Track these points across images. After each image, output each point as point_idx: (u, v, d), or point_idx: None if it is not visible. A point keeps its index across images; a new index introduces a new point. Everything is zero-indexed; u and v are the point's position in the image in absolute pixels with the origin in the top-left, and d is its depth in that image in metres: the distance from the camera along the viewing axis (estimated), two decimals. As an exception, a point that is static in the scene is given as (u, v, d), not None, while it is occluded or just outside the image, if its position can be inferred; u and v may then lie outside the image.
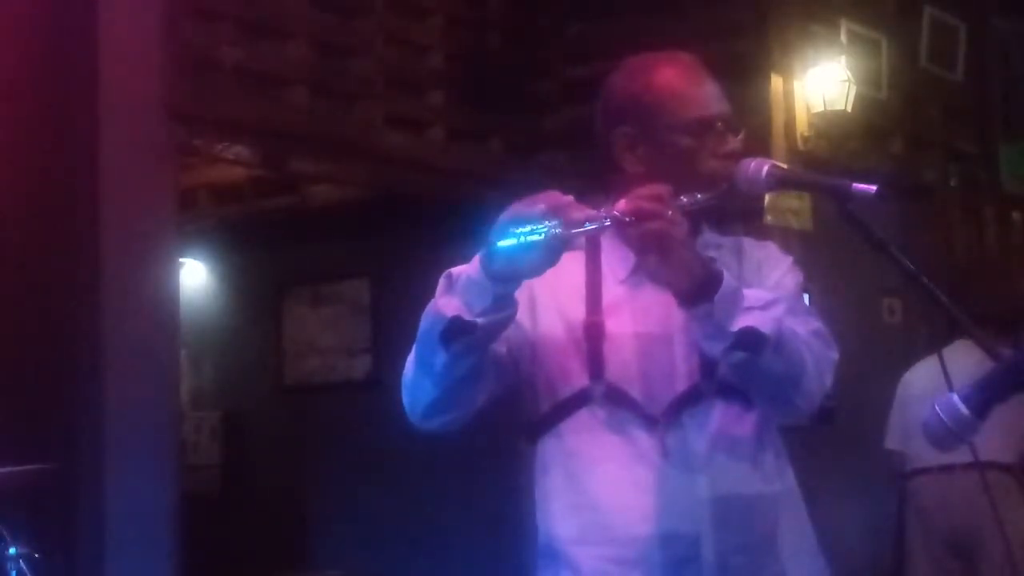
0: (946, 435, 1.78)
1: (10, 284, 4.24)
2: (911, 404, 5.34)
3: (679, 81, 2.09)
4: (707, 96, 2.09)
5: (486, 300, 1.85)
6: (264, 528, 7.26)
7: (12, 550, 3.19)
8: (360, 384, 7.02)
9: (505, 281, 1.85)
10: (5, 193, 4.23)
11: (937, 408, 1.78)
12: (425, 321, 1.92)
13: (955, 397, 1.78)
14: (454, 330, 1.86)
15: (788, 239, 5.57)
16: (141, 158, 4.52)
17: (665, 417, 2.01)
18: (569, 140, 5.90)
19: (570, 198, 1.85)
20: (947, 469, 5.07)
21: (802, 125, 5.89)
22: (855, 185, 1.88)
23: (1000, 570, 5.01)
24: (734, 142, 2.08)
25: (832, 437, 5.40)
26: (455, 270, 1.91)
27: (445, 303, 1.88)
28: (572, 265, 2.05)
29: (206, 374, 7.73)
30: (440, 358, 1.90)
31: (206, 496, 7.23)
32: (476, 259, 1.86)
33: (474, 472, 6.16)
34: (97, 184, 4.38)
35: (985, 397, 1.78)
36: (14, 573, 3.17)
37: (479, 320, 1.86)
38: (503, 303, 1.87)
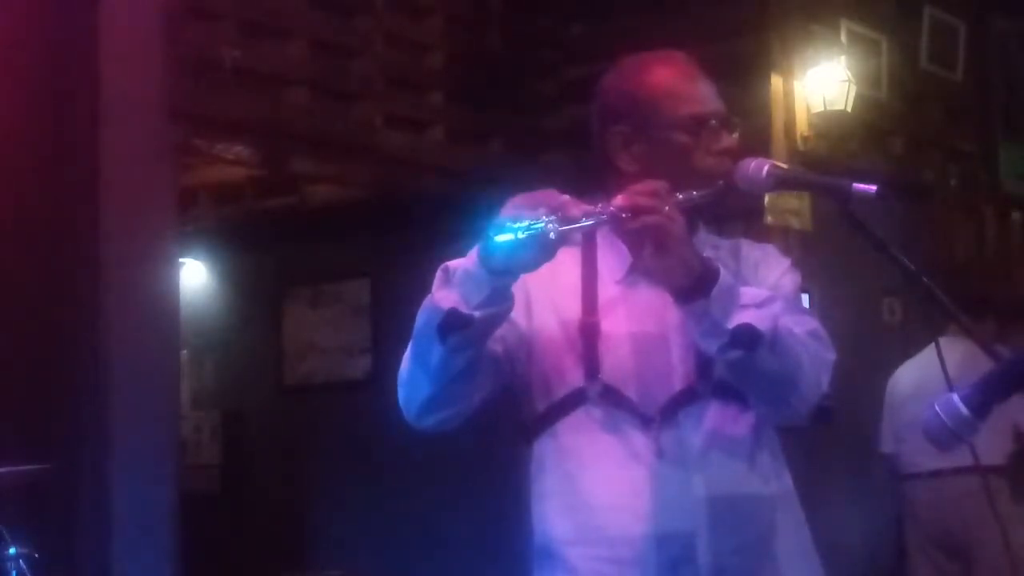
0: (946, 435, 1.78)
1: (10, 284, 4.24)
2: (898, 407, 5.32)
3: (673, 79, 2.09)
4: (701, 93, 2.09)
5: (483, 293, 1.85)
6: (264, 528, 7.25)
7: (12, 550, 3.19)
8: (360, 384, 7.00)
9: (502, 275, 1.85)
10: (4, 193, 4.23)
11: (937, 408, 1.78)
12: (422, 315, 1.92)
13: (955, 397, 1.77)
14: (451, 323, 1.86)
15: (788, 239, 5.57)
16: (141, 158, 4.52)
17: (661, 417, 2.01)
18: (569, 140, 5.89)
19: (567, 196, 1.85)
20: (936, 474, 5.06)
21: (802, 125, 5.88)
22: (855, 185, 1.88)
23: (996, 572, 5.00)
24: (729, 139, 2.07)
25: (831, 437, 5.39)
26: (452, 263, 1.91)
27: (442, 296, 1.88)
28: (568, 264, 2.05)
29: (206, 374, 7.72)
30: (437, 352, 1.89)
31: (206, 496, 7.22)
32: (473, 252, 1.86)
33: (473, 472, 6.15)
34: (97, 184, 4.38)
35: (985, 397, 1.77)
36: (14, 573, 3.17)
37: (476, 313, 1.86)
38: (500, 296, 1.87)
